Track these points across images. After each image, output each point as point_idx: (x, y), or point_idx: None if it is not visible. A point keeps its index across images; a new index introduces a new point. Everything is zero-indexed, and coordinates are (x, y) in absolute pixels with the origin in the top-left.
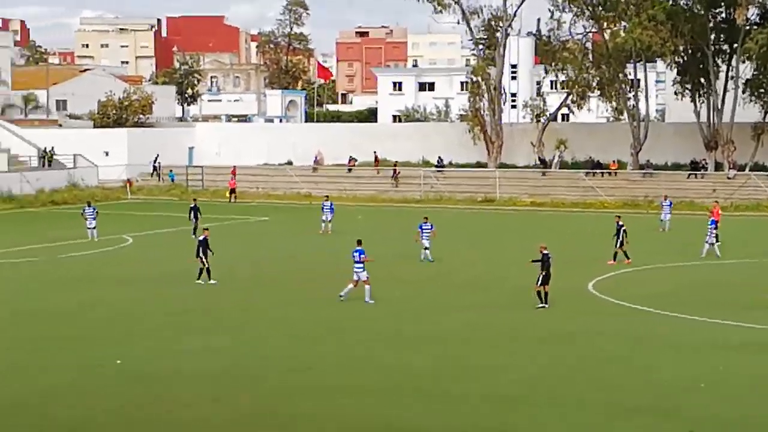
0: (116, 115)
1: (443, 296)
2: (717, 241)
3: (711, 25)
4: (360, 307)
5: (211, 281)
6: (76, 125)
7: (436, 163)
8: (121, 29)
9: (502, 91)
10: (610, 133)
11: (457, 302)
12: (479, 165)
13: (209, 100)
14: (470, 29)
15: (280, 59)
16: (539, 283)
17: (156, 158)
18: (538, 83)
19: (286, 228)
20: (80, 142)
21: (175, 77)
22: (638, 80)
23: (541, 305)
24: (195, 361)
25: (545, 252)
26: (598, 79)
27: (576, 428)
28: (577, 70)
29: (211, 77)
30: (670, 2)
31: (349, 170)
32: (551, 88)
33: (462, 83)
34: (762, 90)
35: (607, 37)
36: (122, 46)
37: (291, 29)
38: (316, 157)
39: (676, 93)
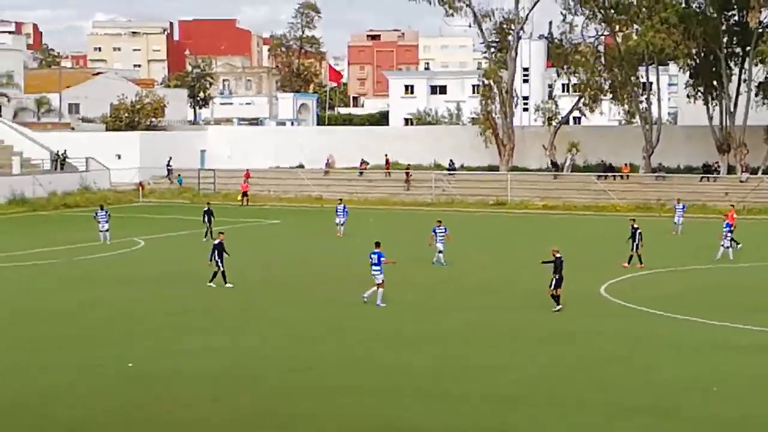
0: (128, 118)
1: (452, 299)
2: (737, 244)
3: (723, 27)
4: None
5: (227, 285)
6: (88, 128)
7: (447, 166)
8: (133, 33)
9: (514, 94)
10: (622, 137)
11: (464, 304)
12: (491, 168)
13: (221, 104)
14: (482, 32)
15: (292, 62)
16: (552, 286)
17: (169, 161)
18: (550, 86)
19: (297, 231)
20: (92, 145)
21: (187, 80)
22: (650, 83)
23: (557, 308)
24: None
25: (558, 255)
26: (610, 82)
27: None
28: (589, 73)
29: (223, 80)
30: (683, 5)
31: (361, 173)
32: (563, 91)
33: (474, 86)
34: None
35: (619, 40)
36: (135, 50)
37: (303, 32)
38: (327, 160)
39: (688, 96)
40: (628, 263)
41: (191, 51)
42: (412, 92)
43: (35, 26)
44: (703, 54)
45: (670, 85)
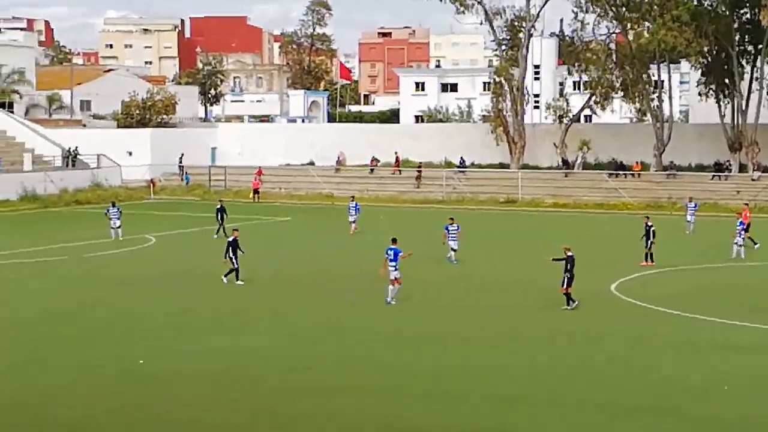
0: (140, 115)
1: (458, 298)
2: (755, 244)
3: (735, 25)
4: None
5: (238, 282)
6: (99, 125)
7: (458, 164)
8: (144, 30)
9: (525, 92)
10: (634, 134)
11: (468, 303)
12: (502, 166)
13: (232, 101)
14: (493, 30)
15: (303, 60)
16: (564, 285)
17: (181, 158)
18: (561, 84)
19: (308, 228)
20: (104, 142)
21: (198, 77)
22: (662, 81)
23: (573, 306)
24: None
25: (570, 253)
26: (621, 79)
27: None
28: (601, 70)
29: (234, 78)
30: (695, 3)
31: (372, 171)
32: (574, 88)
33: (485, 84)
34: None
35: (630, 37)
36: (146, 47)
37: (314, 30)
38: (338, 158)
39: (700, 94)
40: (645, 261)
41: (202, 48)
42: (423, 90)
43: (47, 23)
44: (714, 52)
45: (681, 83)
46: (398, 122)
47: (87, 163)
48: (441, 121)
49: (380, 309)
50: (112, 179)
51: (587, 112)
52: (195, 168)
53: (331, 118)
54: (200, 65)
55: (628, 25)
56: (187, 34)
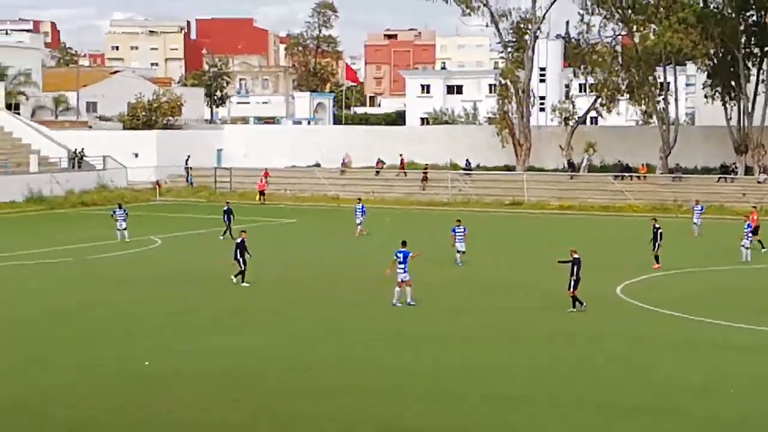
0: (145, 117)
1: (461, 299)
2: (763, 248)
3: (741, 28)
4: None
5: (243, 284)
6: (105, 127)
7: (463, 166)
8: (150, 31)
9: (531, 94)
10: (640, 137)
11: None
12: (507, 168)
13: (238, 103)
14: (499, 32)
15: (309, 61)
16: (572, 288)
17: (187, 160)
18: (567, 86)
19: (313, 230)
20: (110, 143)
21: (204, 79)
22: (668, 83)
23: (581, 308)
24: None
25: (576, 256)
26: (627, 82)
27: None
28: (607, 73)
29: (240, 79)
30: (701, 5)
31: (377, 173)
32: (580, 91)
33: (490, 86)
34: None
35: (636, 40)
36: (152, 49)
37: (320, 31)
38: (343, 160)
39: (706, 96)
40: (657, 264)
41: (208, 50)
42: (428, 92)
43: (53, 25)
44: (721, 54)
45: (687, 85)
46: (404, 124)
47: (93, 165)
48: (447, 123)
49: (380, 309)
50: (117, 181)
51: (593, 114)
52: (200, 170)
53: (337, 120)
54: (206, 67)
55: (634, 28)
56: (193, 36)
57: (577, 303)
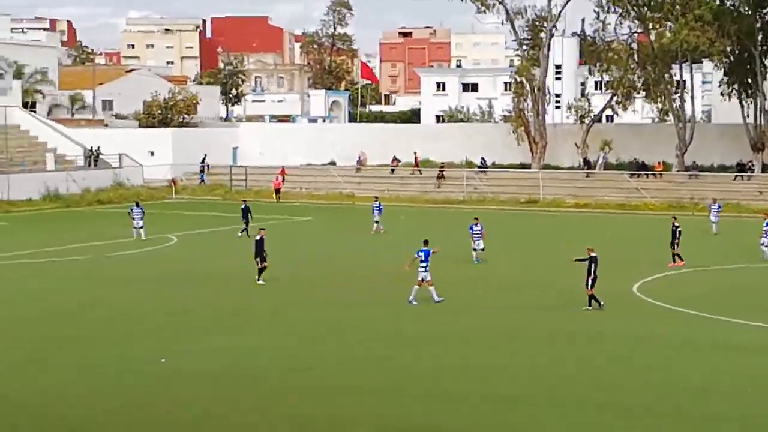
0: (161, 115)
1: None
2: None
3: (758, 25)
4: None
5: (259, 281)
6: (121, 125)
7: (479, 164)
8: (166, 30)
9: (547, 92)
10: (656, 135)
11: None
12: (523, 166)
13: (253, 101)
14: (514, 29)
15: (324, 60)
16: (590, 286)
17: (204, 158)
18: (583, 84)
19: (328, 228)
20: (126, 141)
21: (219, 77)
22: (684, 81)
23: (597, 307)
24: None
25: (593, 254)
26: (643, 79)
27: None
28: (622, 70)
29: (255, 77)
30: (717, 2)
31: (392, 171)
32: (596, 88)
33: (506, 84)
34: None
35: (652, 37)
36: (167, 47)
37: (335, 30)
38: (359, 158)
39: (722, 94)
40: (681, 261)
41: (224, 48)
42: (443, 89)
43: (69, 23)
44: (737, 51)
45: (703, 82)
46: (419, 122)
47: (109, 163)
48: (462, 121)
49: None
50: (133, 179)
51: (609, 112)
52: (216, 168)
53: (352, 118)
54: (221, 65)
55: (650, 25)
56: (209, 34)
57: (593, 301)
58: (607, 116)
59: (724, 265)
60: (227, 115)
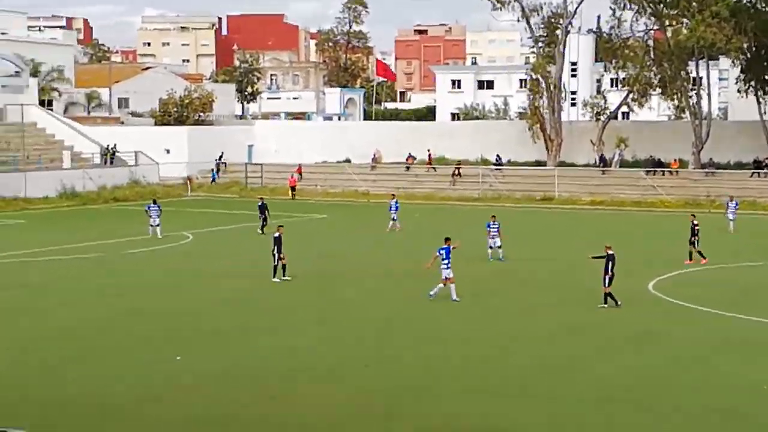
0: (177, 112)
1: (493, 295)
2: None
3: None
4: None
5: (275, 279)
6: (137, 123)
7: (494, 162)
8: (182, 28)
9: (562, 89)
10: (672, 132)
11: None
12: (538, 163)
13: (269, 98)
14: (530, 27)
15: (339, 57)
16: (607, 284)
17: (221, 156)
18: (599, 81)
19: (343, 226)
20: (141, 139)
21: (235, 75)
22: (700, 78)
23: (614, 305)
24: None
25: (610, 252)
26: (659, 76)
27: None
28: (638, 67)
29: (271, 75)
30: None
31: (408, 168)
32: (611, 85)
33: (521, 81)
34: None
35: (669, 34)
36: (183, 45)
37: (350, 27)
38: (374, 155)
39: (739, 91)
40: (705, 259)
41: (239, 46)
42: (459, 87)
43: (86, 21)
44: (754, 48)
45: (720, 79)
46: (434, 119)
47: (125, 161)
48: (477, 118)
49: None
50: (149, 177)
51: (624, 109)
52: (231, 166)
53: (368, 116)
54: (237, 63)
55: (667, 22)
56: (224, 32)
57: (609, 299)
58: (622, 113)
59: (740, 262)
60: (243, 112)
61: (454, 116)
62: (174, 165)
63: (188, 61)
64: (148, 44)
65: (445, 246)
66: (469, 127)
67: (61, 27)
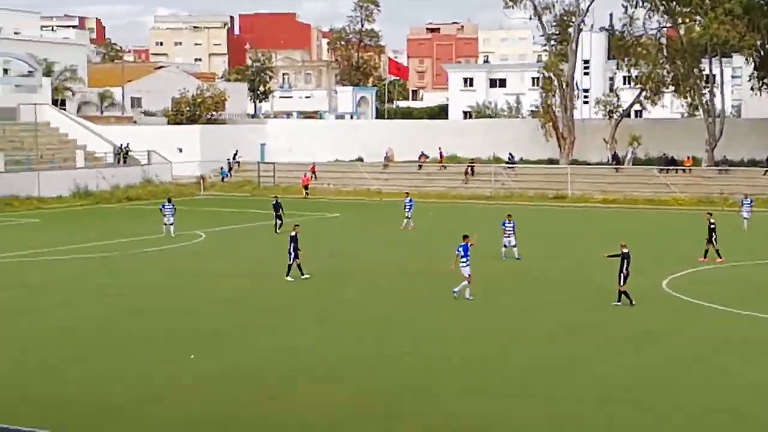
0: (189, 112)
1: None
2: None
3: None
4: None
5: (288, 278)
6: (150, 122)
7: (507, 160)
8: (194, 27)
9: (575, 87)
10: (685, 129)
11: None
12: (551, 161)
13: (281, 97)
14: (542, 24)
15: (351, 56)
16: (622, 282)
17: (235, 155)
18: (611, 79)
19: (355, 225)
20: (154, 138)
21: (247, 74)
22: (713, 75)
23: (630, 304)
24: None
25: (625, 250)
26: (672, 74)
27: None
28: (651, 65)
29: (283, 74)
30: None
31: (420, 167)
32: (624, 83)
33: (533, 79)
34: None
35: (681, 32)
36: (196, 44)
37: (362, 26)
38: (386, 154)
39: (752, 88)
40: (720, 258)
41: (251, 45)
42: (471, 85)
43: (98, 21)
44: (767, 45)
45: (733, 77)
46: (447, 118)
47: (138, 160)
48: (489, 116)
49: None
50: (162, 176)
51: (637, 107)
52: (244, 164)
53: (380, 114)
54: (249, 62)
55: (679, 20)
56: (237, 31)
57: (624, 297)
58: (635, 111)
59: (755, 260)
60: (255, 111)
61: (467, 114)
62: (187, 164)
63: (201, 60)
64: (161, 43)
65: (463, 243)
66: (481, 126)
67: (73, 27)
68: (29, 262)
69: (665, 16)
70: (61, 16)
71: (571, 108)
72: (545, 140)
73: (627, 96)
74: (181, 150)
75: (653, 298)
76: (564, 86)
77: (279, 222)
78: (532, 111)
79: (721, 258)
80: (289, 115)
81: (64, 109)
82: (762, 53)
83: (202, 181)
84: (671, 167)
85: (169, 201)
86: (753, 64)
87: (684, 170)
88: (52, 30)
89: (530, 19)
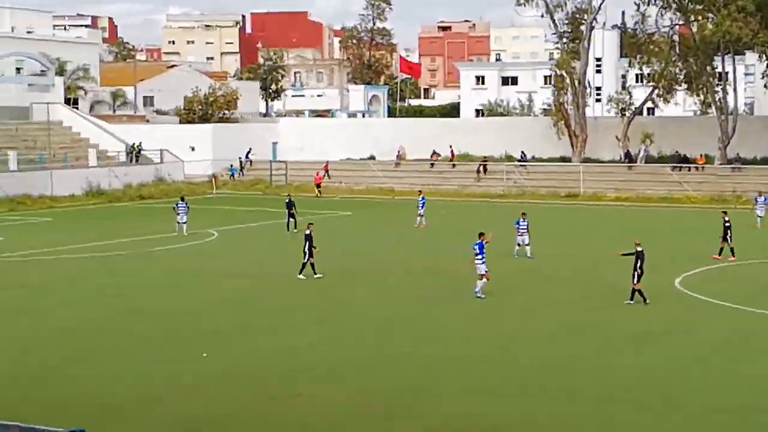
0: (202, 110)
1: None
2: None
3: None
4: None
5: (300, 276)
6: (162, 121)
7: (519, 158)
8: (206, 26)
9: (587, 85)
10: (698, 127)
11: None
12: (563, 159)
13: (293, 96)
14: (554, 22)
15: (363, 54)
16: (637, 280)
17: (248, 152)
18: (623, 76)
19: (367, 223)
20: (167, 137)
21: (259, 73)
22: (726, 73)
23: (644, 303)
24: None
25: (639, 249)
26: (685, 72)
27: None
28: (664, 63)
29: (295, 73)
30: None
31: (432, 165)
32: (636, 81)
33: (545, 77)
34: None
35: (694, 29)
36: (207, 43)
37: (374, 24)
38: (398, 152)
39: (765, 86)
40: (733, 256)
41: (263, 43)
42: (483, 83)
43: (111, 20)
44: None
45: (746, 74)
46: (458, 116)
47: (150, 159)
48: (501, 114)
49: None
50: (175, 174)
51: (650, 104)
52: (256, 163)
53: (391, 113)
54: (261, 60)
55: (692, 17)
56: (248, 30)
57: (637, 295)
58: (648, 109)
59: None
60: (267, 110)
61: (479, 113)
62: (199, 162)
63: (213, 59)
64: (173, 42)
65: (479, 241)
66: (493, 124)
67: (86, 26)
68: (35, 261)
69: (678, 13)
70: (73, 15)
71: (584, 106)
72: (557, 138)
73: (639, 94)
74: (193, 149)
75: (666, 296)
76: (576, 84)
77: (292, 221)
78: (544, 109)
79: (734, 257)
80: (300, 113)
81: (77, 108)
82: None
83: (214, 179)
84: (684, 165)
85: (183, 200)
86: (766, 61)
87: (697, 168)
88: (65, 29)
89: (542, 16)
